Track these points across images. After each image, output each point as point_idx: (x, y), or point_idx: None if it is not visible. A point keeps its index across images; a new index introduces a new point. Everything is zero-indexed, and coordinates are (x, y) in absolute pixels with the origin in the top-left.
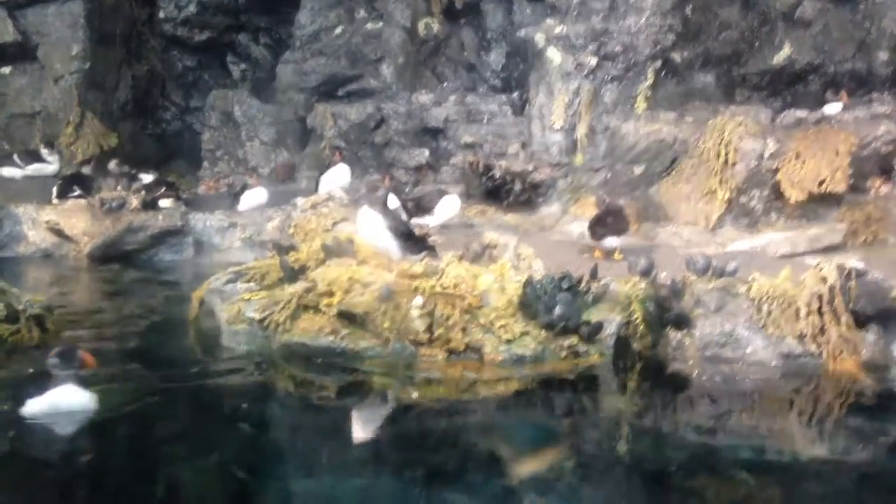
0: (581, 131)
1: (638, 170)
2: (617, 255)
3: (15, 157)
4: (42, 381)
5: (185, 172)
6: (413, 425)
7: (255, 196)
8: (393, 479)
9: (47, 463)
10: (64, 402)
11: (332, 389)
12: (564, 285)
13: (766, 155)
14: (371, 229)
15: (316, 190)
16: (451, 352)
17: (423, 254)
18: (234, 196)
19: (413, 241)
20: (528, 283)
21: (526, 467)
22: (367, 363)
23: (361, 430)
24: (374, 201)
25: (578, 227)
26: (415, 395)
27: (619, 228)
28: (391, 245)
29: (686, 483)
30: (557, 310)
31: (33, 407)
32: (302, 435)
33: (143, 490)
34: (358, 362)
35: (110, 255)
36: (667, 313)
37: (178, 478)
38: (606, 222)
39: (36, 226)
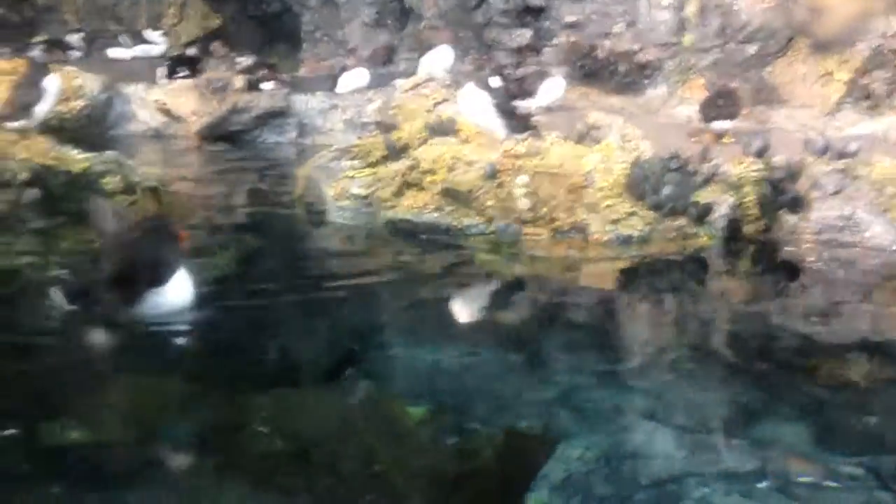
0: (691, 8)
1: (751, 49)
2: (727, 139)
3: (121, 38)
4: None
5: (286, 55)
6: (516, 302)
7: (355, 78)
8: (493, 353)
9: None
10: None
11: (436, 264)
12: (673, 165)
13: (890, 33)
14: (476, 107)
15: (416, 72)
16: (555, 231)
17: (527, 133)
18: (335, 78)
19: (517, 120)
20: (636, 162)
21: (628, 347)
22: (471, 240)
23: (465, 305)
24: (480, 79)
25: (686, 111)
26: (518, 272)
27: (731, 111)
28: (495, 123)
29: (796, 364)
30: (666, 190)
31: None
32: (406, 308)
33: (258, 366)
34: (462, 239)
35: (217, 135)
36: (781, 196)
37: (290, 350)
38: (717, 104)
39: (145, 105)
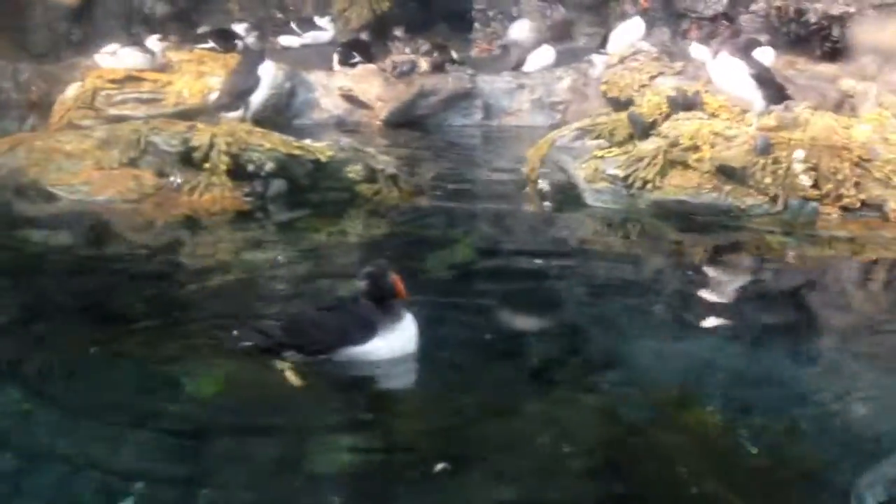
0: None
1: None
2: None
3: (292, 25)
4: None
5: (455, 36)
6: (820, 289)
7: (542, 56)
8: (795, 344)
9: None
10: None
11: (722, 247)
12: None
13: None
14: (733, 77)
15: (602, 46)
16: (845, 209)
17: (784, 104)
18: (519, 57)
19: (776, 91)
20: None
21: None
22: (754, 221)
23: (762, 293)
24: (736, 47)
25: None
26: (819, 255)
27: None
28: (754, 95)
29: None
30: None
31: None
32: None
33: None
34: (743, 220)
35: (403, 121)
36: None
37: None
38: None
39: (328, 93)
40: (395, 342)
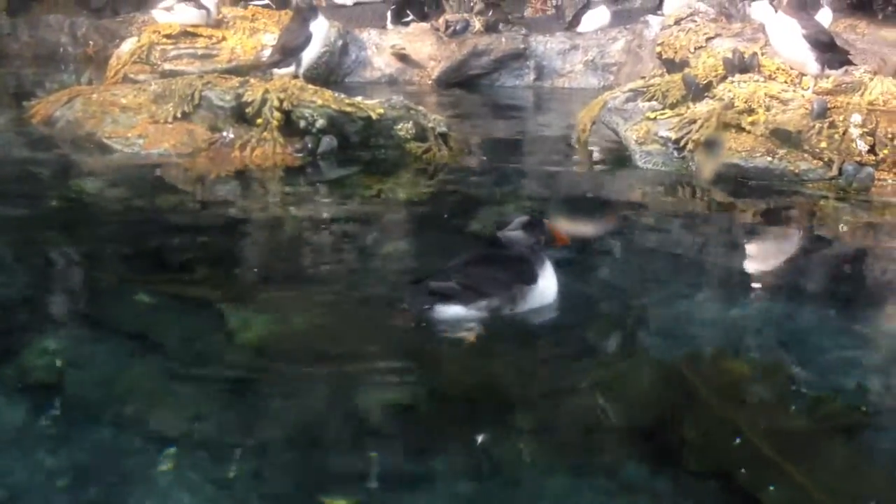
0: None
1: None
2: None
3: None
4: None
5: None
6: (856, 250)
7: (597, 16)
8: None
9: None
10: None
11: (773, 211)
12: None
13: None
14: (785, 38)
15: (659, 7)
16: None
17: (843, 69)
18: (574, 17)
19: (833, 54)
20: None
21: None
22: (807, 186)
23: (795, 253)
24: (791, 6)
25: None
26: (862, 219)
27: None
28: (807, 57)
29: None
30: None
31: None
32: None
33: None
34: (797, 184)
35: (454, 80)
36: None
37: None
38: None
39: (380, 51)
40: (552, 284)
